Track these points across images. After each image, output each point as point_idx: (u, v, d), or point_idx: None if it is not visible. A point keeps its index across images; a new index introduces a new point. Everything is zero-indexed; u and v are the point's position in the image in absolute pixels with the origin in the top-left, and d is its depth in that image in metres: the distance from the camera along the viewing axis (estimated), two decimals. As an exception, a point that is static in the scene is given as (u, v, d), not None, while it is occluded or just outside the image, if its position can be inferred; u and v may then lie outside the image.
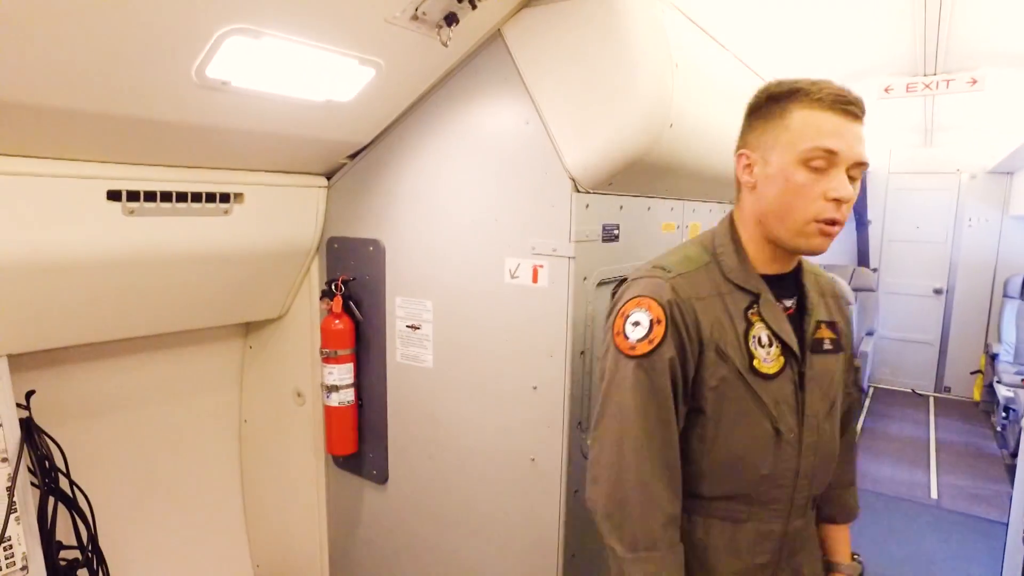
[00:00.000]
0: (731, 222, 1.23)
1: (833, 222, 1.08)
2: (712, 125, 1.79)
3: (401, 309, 1.85)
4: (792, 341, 1.17)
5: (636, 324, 1.12)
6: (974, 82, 3.14)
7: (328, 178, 1.99)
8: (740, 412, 1.15)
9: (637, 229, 1.83)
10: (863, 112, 1.10)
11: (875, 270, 6.77)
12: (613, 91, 1.43)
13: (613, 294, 1.30)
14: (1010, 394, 4.83)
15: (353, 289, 1.94)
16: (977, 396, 6.43)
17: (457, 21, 1.40)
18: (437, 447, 1.83)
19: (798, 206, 1.09)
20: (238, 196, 1.77)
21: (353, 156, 1.92)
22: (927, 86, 3.20)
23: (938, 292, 6.67)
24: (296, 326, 2.16)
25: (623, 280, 1.25)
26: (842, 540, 1.43)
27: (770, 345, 1.16)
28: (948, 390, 6.71)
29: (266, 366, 2.29)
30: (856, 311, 5.66)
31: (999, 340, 6.03)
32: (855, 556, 1.44)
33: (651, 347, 1.10)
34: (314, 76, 1.44)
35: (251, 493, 2.42)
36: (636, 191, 1.77)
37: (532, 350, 1.59)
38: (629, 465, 1.11)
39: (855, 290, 6.16)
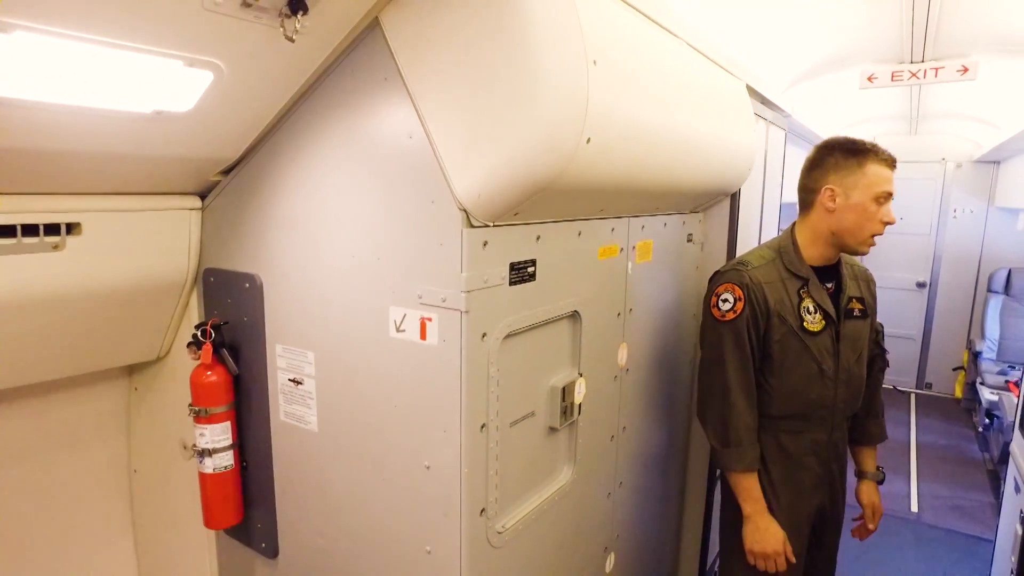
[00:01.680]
0: (792, 232, 1.86)
1: (878, 235, 1.75)
2: (652, 129, 1.48)
3: (282, 359, 1.53)
4: (831, 309, 1.81)
5: (725, 300, 1.77)
6: (965, 70, 2.84)
7: (203, 198, 1.66)
8: (796, 357, 1.78)
9: (563, 261, 1.52)
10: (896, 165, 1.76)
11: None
12: (511, 99, 1.11)
13: (710, 281, 1.89)
14: (994, 398, 4.61)
15: (231, 333, 1.61)
16: (959, 393, 6.24)
17: (305, 9, 1.07)
18: (327, 524, 1.52)
19: (868, 227, 1.73)
20: (73, 227, 1.43)
21: (228, 171, 1.58)
22: (914, 74, 2.90)
23: (921, 286, 6.44)
24: (179, 369, 1.83)
25: (716, 273, 1.88)
26: (869, 456, 2.08)
27: (815, 312, 1.79)
28: (930, 386, 6.51)
29: (153, 412, 1.96)
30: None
31: (982, 336, 5.82)
32: (879, 468, 2.09)
33: (735, 315, 1.75)
34: (123, 82, 1.10)
35: (145, 553, 2.10)
36: (560, 215, 1.46)
37: (424, 422, 1.28)
38: (728, 393, 1.76)
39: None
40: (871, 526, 2.07)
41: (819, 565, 2.04)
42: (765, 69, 2.63)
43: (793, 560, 1.80)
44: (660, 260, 2.11)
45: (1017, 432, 2.74)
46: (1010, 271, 5.81)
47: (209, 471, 1.58)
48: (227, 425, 1.59)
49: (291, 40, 1.09)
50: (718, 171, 2.07)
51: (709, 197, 2.30)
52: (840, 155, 1.73)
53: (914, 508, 4.19)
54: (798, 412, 1.82)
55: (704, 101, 1.89)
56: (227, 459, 1.60)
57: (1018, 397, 4.44)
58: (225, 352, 1.58)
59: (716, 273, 1.88)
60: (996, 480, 4.54)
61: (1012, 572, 2.47)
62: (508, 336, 1.34)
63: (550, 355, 1.58)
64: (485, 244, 1.23)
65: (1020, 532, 2.45)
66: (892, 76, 2.95)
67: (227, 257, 1.61)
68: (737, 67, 2.18)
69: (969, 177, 6.07)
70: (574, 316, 1.64)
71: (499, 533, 1.36)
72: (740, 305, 1.74)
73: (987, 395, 4.77)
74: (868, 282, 1.95)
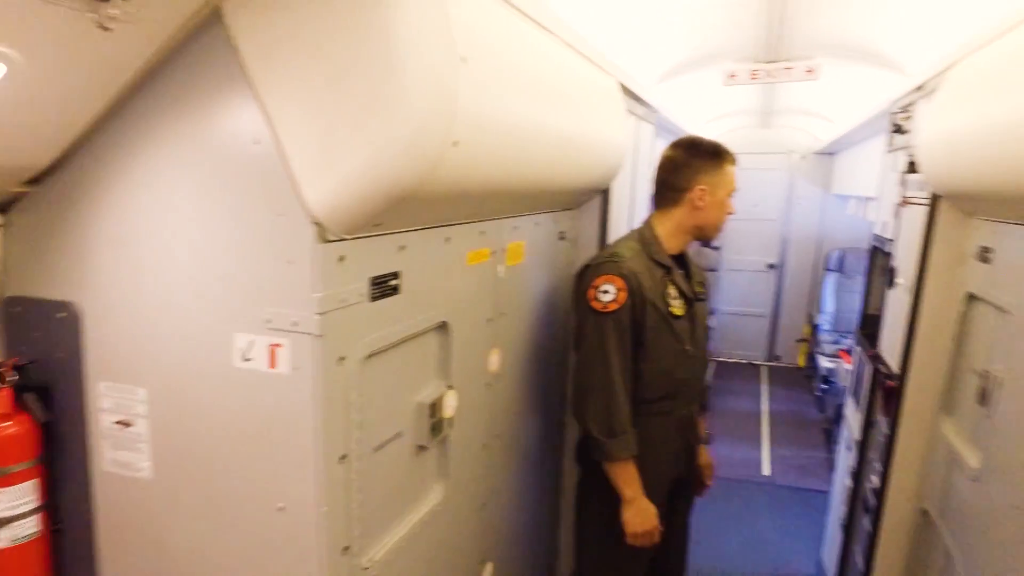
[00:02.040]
0: (651, 226, 1.98)
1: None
2: (525, 130, 1.42)
3: (107, 399, 1.30)
4: (690, 294, 1.97)
5: (605, 292, 1.80)
6: (811, 71, 3.05)
7: (3, 212, 1.36)
8: (665, 341, 1.90)
9: (430, 270, 1.43)
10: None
11: (717, 248, 6.99)
12: (371, 100, 0.99)
13: (577, 277, 1.97)
14: (830, 365, 5.13)
15: (39, 373, 1.34)
16: (801, 363, 6.91)
17: (118, -9, 0.88)
18: (168, 584, 1.33)
19: (723, 219, 1.97)
20: None
21: (35, 181, 1.31)
22: (769, 73, 3.07)
23: (772, 267, 7.03)
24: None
25: (587, 267, 1.91)
26: (701, 424, 2.20)
27: (678, 298, 1.93)
28: (778, 358, 7.15)
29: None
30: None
31: (820, 311, 6.46)
32: (707, 432, 2.27)
33: (618, 306, 1.80)
34: None
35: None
36: (426, 222, 1.36)
37: (276, 459, 1.15)
38: (612, 384, 1.81)
39: (698, 267, 6.26)
40: (708, 483, 2.29)
41: (676, 531, 2.17)
42: (636, 66, 2.66)
43: (660, 529, 1.93)
44: (532, 261, 2.07)
45: (849, 398, 3.03)
46: (843, 251, 6.48)
47: (6, 544, 1.29)
48: (32, 484, 1.30)
49: (106, 29, 0.89)
50: (591, 169, 2.06)
51: (582, 194, 2.29)
52: (707, 157, 1.91)
53: (766, 471, 4.58)
54: (668, 392, 1.95)
55: (577, 99, 1.85)
56: (29, 527, 1.31)
57: (850, 364, 5.00)
58: (31, 397, 1.31)
59: (587, 266, 1.91)
60: (830, 438, 5.08)
61: (843, 519, 2.75)
62: (370, 356, 1.23)
63: (417, 370, 1.49)
64: (342, 259, 1.11)
65: (849, 485, 2.73)
66: (751, 75, 3.11)
67: (36, 282, 1.33)
68: (609, 64, 2.17)
69: (810, 167, 6.66)
70: (442, 327, 1.55)
71: (365, 569, 1.27)
72: (623, 295, 1.79)
73: (824, 363, 5.30)
74: (701, 270, 2.15)
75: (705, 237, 1.99)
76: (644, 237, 1.95)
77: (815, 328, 6.37)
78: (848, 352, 5.47)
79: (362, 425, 1.23)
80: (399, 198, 1.08)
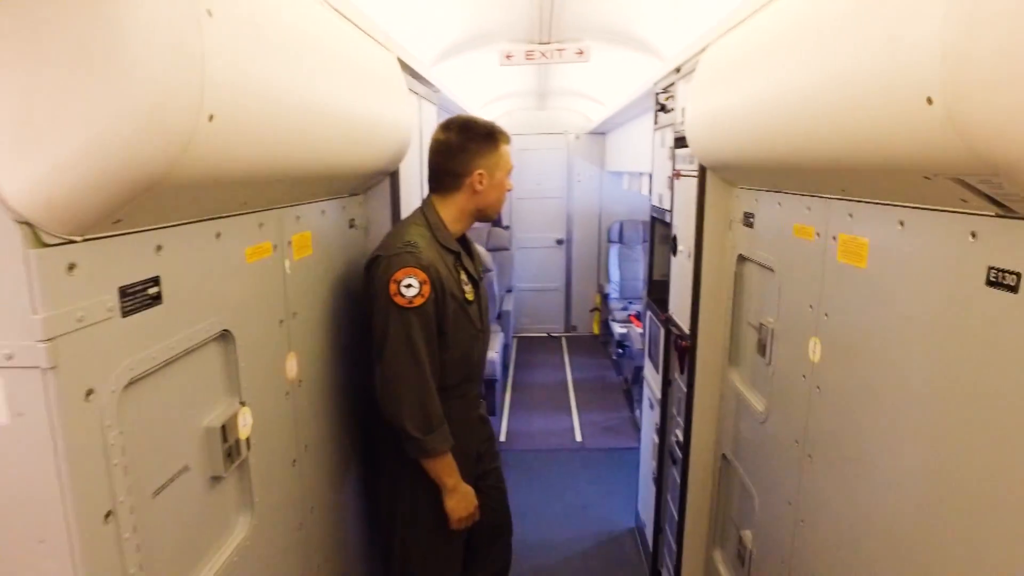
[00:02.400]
0: (435, 209, 1.94)
1: None
2: (296, 102, 1.22)
3: None
4: (477, 277, 2.01)
5: (409, 286, 1.74)
6: (581, 53, 3.16)
7: None
8: (462, 327, 1.91)
9: (200, 272, 1.18)
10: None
11: (507, 228, 7.19)
12: (87, 60, 0.74)
13: (367, 268, 1.86)
14: (623, 330, 5.55)
15: None
16: (596, 331, 7.43)
17: None
18: None
19: (503, 199, 2.00)
20: None
21: None
22: (543, 54, 3.13)
23: (560, 242, 7.42)
24: None
25: (378, 256, 1.81)
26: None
27: (469, 282, 1.95)
28: (575, 328, 7.61)
29: None
30: (495, 272, 5.88)
31: (608, 280, 6.99)
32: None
33: (423, 300, 1.75)
34: None
35: None
36: (187, 215, 1.10)
37: (7, 537, 0.84)
38: (424, 380, 1.78)
39: (491, 250, 6.38)
40: None
41: (492, 504, 2.19)
42: (414, 43, 2.52)
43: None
44: (323, 252, 1.86)
45: (647, 360, 3.26)
46: (622, 223, 7.06)
47: None
48: None
49: None
50: (376, 149, 1.89)
51: (368, 178, 2.12)
52: (482, 140, 1.89)
53: (578, 438, 4.83)
54: (467, 375, 1.98)
55: (355, 72, 1.66)
56: None
57: (641, 329, 5.46)
58: None
59: (378, 257, 1.81)
60: (630, 398, 5.52)
61: (654, 473, 2.96)
62: (132, 383, 0.96)
63: (200, 390, 1.24)
64: (72, 267, 0.83)
65: (656, 441, 2.93)
66: (526, 55, 3.14)
67: None
68: (387, 39, 2.01)
69: (585, 147, 7.12)
70: (225, 336, 1.30)
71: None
72: (427, 289, 1.74)
73: (617, 329, 5.72)
74: (475, 244, 2.19)
75: (487, 218, 2.01)
76: (430, 222, 1.90)
77: (605, 297, 6.87)
78: (637, 317, 5.98)
79: (131, 469, 0.95)
80: (144, 186, 0.83)
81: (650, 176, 3.36)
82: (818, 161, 1.31)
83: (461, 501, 1.92)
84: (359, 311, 2.23)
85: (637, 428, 4.89)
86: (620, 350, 5.71)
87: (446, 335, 1.85)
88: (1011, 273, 0.91)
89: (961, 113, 0.78)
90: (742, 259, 2.08)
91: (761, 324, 1.85)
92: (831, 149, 1.23)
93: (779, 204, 1.73)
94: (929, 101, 0.82)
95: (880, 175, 1.12)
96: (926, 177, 0.96)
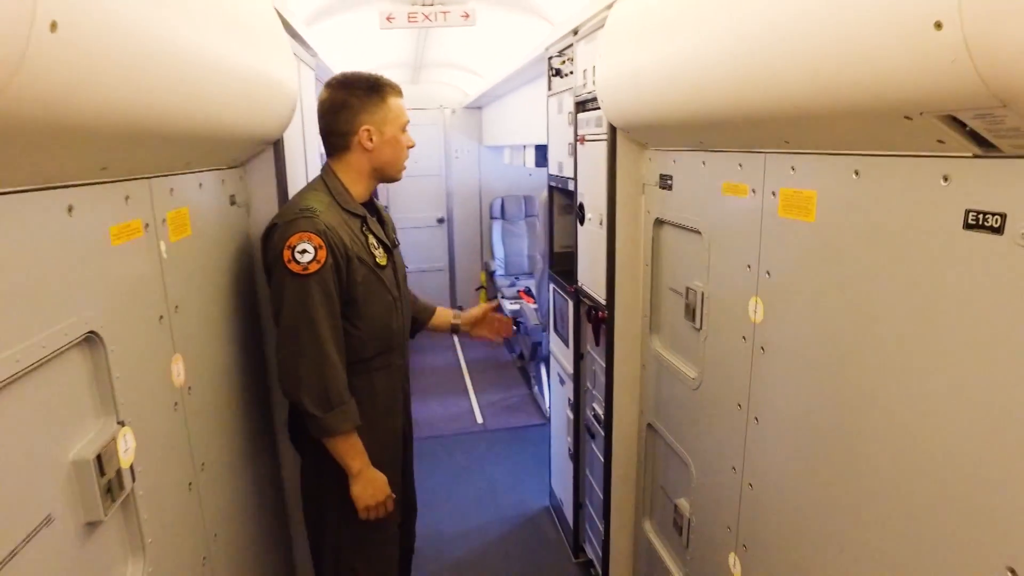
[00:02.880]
0: (334, 174, 1.82)
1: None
2: (162, 36, 0.94)
3: None
4: (388, 243, 1.89)
5: (303, 251, 1.61)
6: (467, 16, 2.97)
7: None
8: (376, 294, 1.80)
9: (49, 253, 0.91)
10: None
11: (386, 208, 6.84)
12: None
13: (264, 239, 1.72)
14: (515, 307, 5.49)
15: None
16: (484, 308, 7.33)
17: None
18: None
19: (402, 156, 1.87)
20: None
21: None
22: (427, 16, 2.90)
23: (441, 221, 7.20)
24: None
25: (274, 225, 1.68)
26: (445, 315, 2.31)
27: (379, 247, 1.83)
28: (461, 308, 7.41)
29: None
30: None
31: (493, 257, 6.90)
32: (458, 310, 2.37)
33: (319, 266, 1.63)
34: None
35: None
36: (24, 179, 0.83)
37: None
38: (324, 353, 1.65)
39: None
40: (503, 324, 2.39)
41: (404, 487, 2.07)
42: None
43: (395, 496, 1.84)
44: (203, 233, 1.57)
45: (552, 334, 3.19)
46: (503, 199, 6.98)
47: None
48: None
49: None
50: (257, 109, 1.63)
51: (250, 146, 1.83)
52: (364, 94, 1.76)
53: (479, 420, 4.72)
54: (386, 346, 1.85)
55: (229, 16, 1.38)
56: None
57: (533, 304, 5.42)
58: None
59: (274, 225, 1.69)
60: (527, 375, 5.49)
61: (570, 449, 2.91)
62: None
63: (60, 412, 0.97)
64: None
65: (571, 416, 2.88)
66: (408, 17, 2.89)
67: None
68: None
69: (462, 122, 6.92)
70: (91, 339, 1.02)
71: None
72: (323, 253, 1.62)
73: (508, 306, 5.65)
74: (387, 213, 2.07)
75: (388, 177, 1.87)
76: (330, 187, 1.78)
77: (491, 275, 6.78)
78: (528, 293, 5.95)
79: None
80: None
81: (529, 147, 3.27)
82: (758, 113, 1.25)
83: (368, 487, 1.75)
84: (249, 299, 1.96)
85: (538, 405, 4.87)
86: (514, 327, 5.64)
87: (357, 303, 1.74)
88: (994, 215, 0.87)
89: (981, 37, 0.71)
90: (659, 223, 2.03)
91: (688, 288, 1.81)
92: (777, 97, 1.16)
93: (703, 163, 1.68)
94: (938, 26, 0.75)
95: (839, 120, 1.07)
96: (907, 117, 0.91)
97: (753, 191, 1.45)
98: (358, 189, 1.83)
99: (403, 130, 1.81)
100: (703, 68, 1.38)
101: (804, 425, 1.33)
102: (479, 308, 2.34)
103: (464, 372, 5.74)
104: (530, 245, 6.93)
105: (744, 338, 1.53)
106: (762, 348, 1.46)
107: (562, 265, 3.13)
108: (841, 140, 1.13)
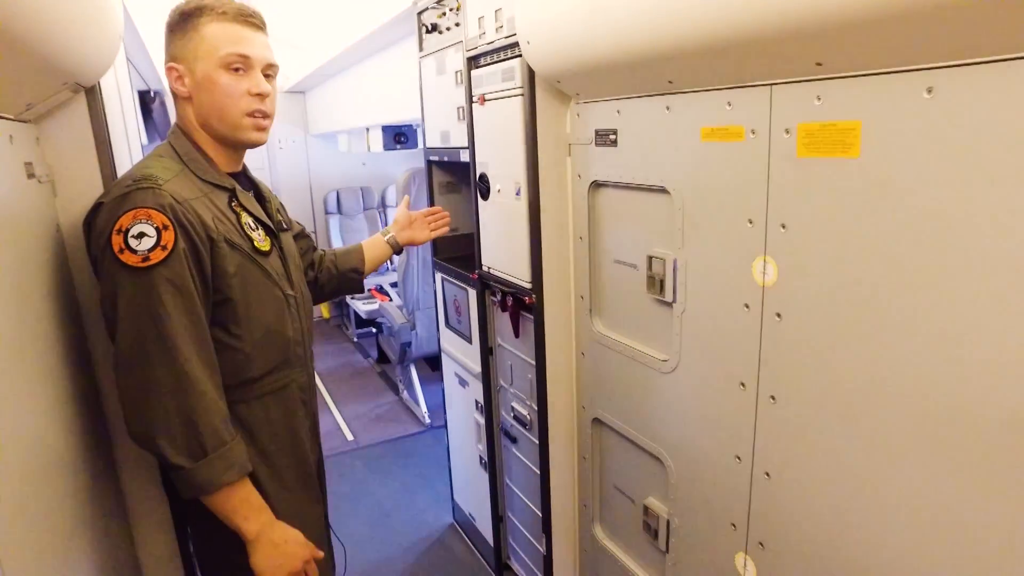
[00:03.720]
0: (184, 134, 1.34)
1: (262, 114, 1.34)
2: None
3: None
4: (270, 223, 1.42)
5: (141, 236, 1.14)
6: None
7: None
8: (260, 290, 1.34)
9: None
10: (264, 24, 1.35)
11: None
12: None
13: (86, 225, 1.23)
14: (372, 307, 4.97)
15: None
16: (326, 314, 6.66)
17: None
18: None
19: (229, 104, 1.29)
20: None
21: None
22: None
23: (269, 220, 6.38)
24: None
25: (98, 206, 1.21)
26: (372, 246, 1.91)
27: (258, 228, 1.37)
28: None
29: None
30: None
31: (333, 256, 6.25)
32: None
33: (166, 253, 1.15)
34: None
35: None
36: None
37: None
38: (185, 376, 1.17)
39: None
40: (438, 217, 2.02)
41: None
42: None
43: (321, 554, 1.38)
44: None
45: (444, 331, 2.82)
46: (338, 192, 6.34)
47: None
48: None
49: None
50: (52, 21, 1.07)
51: (44, 81, 1.24)
52: (174, 20, 1.30)
53: (349, 437, 4.18)
54: (280, 359, 1.40)
55: None
56: None
57: (387, 302, 4.94)
58: None
59: (99, 205, 1.20)
60: (389, 380, 5.01)
61: (482, 458, 2.58)
62: None
63: None
64: None
65: (480, 421, 2.55)
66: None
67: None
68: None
69: (283, 109, 6.14)
70: None
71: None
72: (170, 236, 1.16)
73: (362, 307, 5.11)
74: (270, 192, 1.59)
75: (228, 139, 1.34)
76: (180, 151, 1.32)
77: (334, 275, 6.13)
78: (380, 291, 5.44)
79: None
80: None
81: (375, 129, 2.85)
82: (777, 30, 1.02)
83: (275, 553, 1.27)
84: (66, 313, 1.38)
85: (411, 411, 4.44)
86: (361, 329, 5.10)
87: (232, 304, 1.28)
88: None
89: None
90: (597, 186, 1.77)
91: (651, 258, 1.56)
92: (813, 4, 0.94)
93: (667, 108, 1.43)
94: None
95: (916, 19, 0.86)
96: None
97: (753, 132, 1.23)
98: (219, 156, 1.36)
99: (229, 67, 1.28)
100: None
101: (837, 401, 1.15)
102: (401, 213, 1.97)
103: (320, 384, 5.10)
104: (373, 240, 6.39)
105: (747, 306, 1.32)
106: (777, 315, 1.25)
107: (448, 252, 2.76)
108: (904, 50, 0.93)
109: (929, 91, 0.93)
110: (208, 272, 1.23)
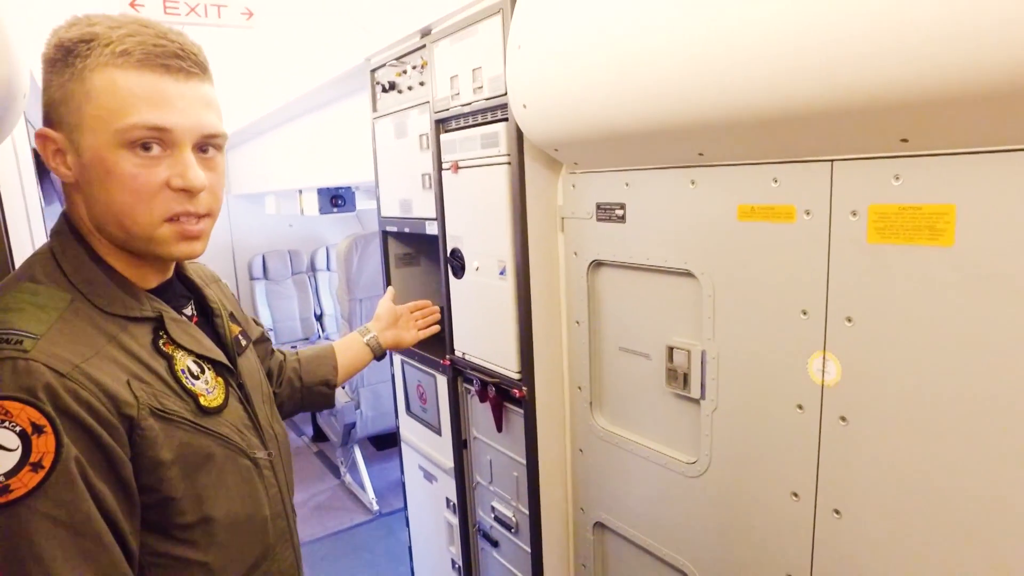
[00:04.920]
0: (75, 237, 0.88)
1: (195, 217, 0.87)
2: None
3: None
4: (220, 356, 0.98)
5: None
6: (250, 14, 2.22)
7: None
8: (215, 466, 0.91)
9: None
10: (200, 66, 0.86)
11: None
12: None
13: None
14: (304, 382, 4.55)
15: None
16: (253, 386, 6.11)
17: None
18: None
19: (134, 205, 0.83)
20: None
21: None
22: (193, 9, 2.08)
23: (186, 288, 5.85)
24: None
25: None
26: (348, 346, 1.58)
27: (203, 372, 0.94)
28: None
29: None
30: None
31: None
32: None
33: (42, 475, 0.72)
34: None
35: None
36: None
37: None
38: None
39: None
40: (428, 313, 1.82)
41: None
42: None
43: None
44: None
45: (405, 417, 2.53)
46: (264, 256, 5.93)
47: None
48: None
49: None
50: None
51: None
52: (58, 57, 0.82)
53: (285, 534, 3.71)
54: (258, 553, 0.99)
55: None
56: None
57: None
58: None
59: None
60: (328, 461, 4.58)
61: (455, 561, 2.28)
62: None
63: None
64: None
65: (452, 522, 2.26)
66: (165, 6, 2.04)
67: None
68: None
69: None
70: None
71: None
72: (47, 443, 0.73)
73: (296, 382, 4.68)
74: (218, 282, 1.21)
75: (152, 256, 0.91)
76: (71, 268, 0.87)
77: (261, 344, 5.66)
78: (314, 360, 5.02)
79: None
80: None
81: (309, 191, 2.60)
82: (862, 103, 0.88)
83: None
84: None
85: (356, 497, 4.02)
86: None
87: (174, 502, 0.86)
88: None
89: None
90: (598, 265, 1.58)
91: (671, 348, 1.38)
92: (897, 79, 0.81)
93: (692, 182, 1.28)
94: None
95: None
96: None
97: (807, 213, 1.08)
98: (133, 269, 0.92)
99: (133, 146, 0.82)
100: (737, 44, 0.98)
101: (923, 520, 0.98)
102: (385, 308, 1.68)
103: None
104: (302, 306, 6.00)
105: (800, 407, 1.14)
106: (841, 418, 1.08)
107: (409, 329, 2.49)
108: (1014, 127, 0.81)
109: (1045, 173, 0.80)
110: (128, 475, 0.81)
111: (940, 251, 0.92)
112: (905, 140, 0.91)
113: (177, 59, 0.83)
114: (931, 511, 0.98)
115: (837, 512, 1.12)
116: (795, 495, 1.18)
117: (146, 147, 0.82)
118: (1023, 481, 0.87)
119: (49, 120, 0.85)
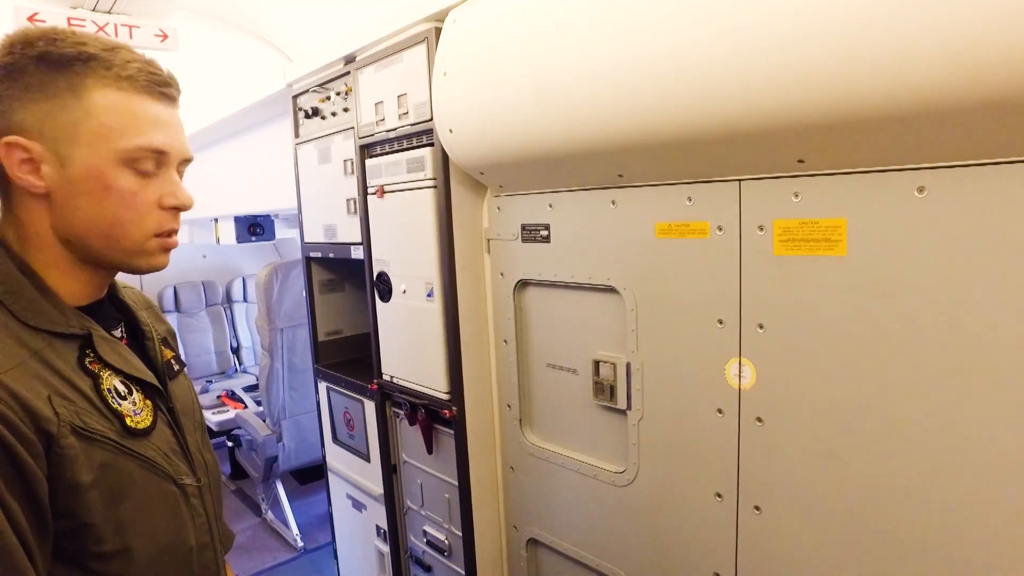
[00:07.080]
0: (4, 246, 0.85)
1: (173, 233, 0.92)
2: None
3: None
4: (150, 377, 0.94)
5: None
6: (165, 37, 2.16)
7: None
8: (139, 492, 0.87)
9: None
10: (179, 94, 0.91)
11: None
12: None
13: None
14: (226, 415, 4.34)
15: None
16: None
17: None
18: None
19: (131, 220, 0.86)
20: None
21: None
22: (102, 28, 1.99)
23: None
24: None
25: None
26: None
27: (131, 393, 0.90)
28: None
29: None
30: None
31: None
32: None
33: None
34: None
35: None
36: None
37: None
38: None
39: None
40: None
41: None
42: None
43: None
44: None
45: (333, 447, 2.46)
46: (175, 288, 5.63)
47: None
48: None
49: None
50: None
51: None
52: (35, 70, 0.80)
53: None
54: None
55: None
56: None
57: (242, 409, 4.34)
58: None
59: None
60: (248, 498, 4.36)
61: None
62: None
63: None
64: None
65: (382, 549, 2.21)
66: (69, 23, 1.95)
67: None
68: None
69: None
70: None
71: None
72: None
73: (213, 417, 4.44)
74: (151, 308, 1.13)
75: (127, 268, 0.91)
76: None
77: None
78: (232, 397, 4.79)
79: None
80: None
81: (225, 220, 2.55)
82: (757, 127, 0.97)
83: None
84: None
85: (279, 534, 3.83)
86: (227, 442, 4.43)
87: (93, 529, 0.81)
88: None
89: None
90: (524, 285, 1.62)
91: (597, 362, 1.43)
92: (796, 103, 0.91)
93: (613, 203, 1.34)
94: None
95: (908, 122, 0.84)
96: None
97: (719, 229, 1.16)
98: (69, 283, 0.88)
99: (134, 166, 0.84)
100: (651, 73, 1.05)
101: (835, 510, 1.07)
102: None
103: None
104: (217, 340, 5.73)
105: (720, 411, 1.21)
106: (758, 419, 1.16)
107: (333, 356, 2.45)
108: (896, 149, 0.91)
109: (920, 191, 0.91)
110: (43, 495, 0.75)
111: (836, 260, 1.01)
112: (802, 161, 1.01)
113: (168, 87, 0.88)
114: (841, 502, 1.06)
115: (757, 508, 1.19)
116: (719, 495, 1.24)
117: (141, 167, 0.85)
118: (920, 466, 0.96)
119: (19, 127, 0.80)
